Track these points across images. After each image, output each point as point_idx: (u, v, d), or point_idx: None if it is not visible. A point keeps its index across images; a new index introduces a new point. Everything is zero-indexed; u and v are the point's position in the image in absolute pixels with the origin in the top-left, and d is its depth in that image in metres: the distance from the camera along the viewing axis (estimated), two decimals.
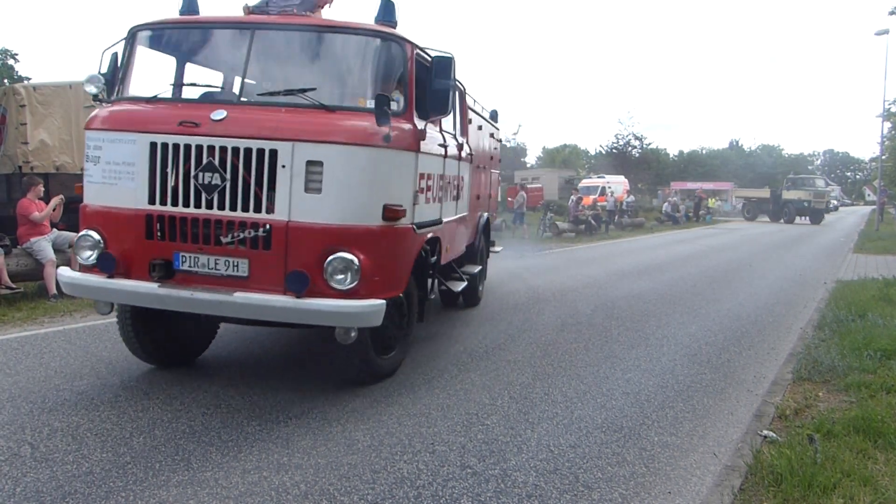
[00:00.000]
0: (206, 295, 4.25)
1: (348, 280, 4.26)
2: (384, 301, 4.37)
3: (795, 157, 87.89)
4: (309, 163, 4.24)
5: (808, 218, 34.53)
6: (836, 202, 57.49)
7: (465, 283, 7.14)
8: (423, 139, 4.90)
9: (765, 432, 4.17)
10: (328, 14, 5.66)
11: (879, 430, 4.01)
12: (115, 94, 5.02)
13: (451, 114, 6.03)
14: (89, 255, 4.59)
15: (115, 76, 5.06)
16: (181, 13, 5.29)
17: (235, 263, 4.34)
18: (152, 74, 5.39)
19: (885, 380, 5.05)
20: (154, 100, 4.92)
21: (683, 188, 46.95)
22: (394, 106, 4.61)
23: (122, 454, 3.71)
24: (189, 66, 5.39)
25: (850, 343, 6.13)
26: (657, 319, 7.92)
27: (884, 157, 33.59)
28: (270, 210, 4.28)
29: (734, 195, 46.92)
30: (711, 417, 4.64)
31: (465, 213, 7.17)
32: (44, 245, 8.55)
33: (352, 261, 4.26)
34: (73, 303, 8.28)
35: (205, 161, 4.31)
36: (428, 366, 5.62)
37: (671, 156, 69.75)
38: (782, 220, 35.24)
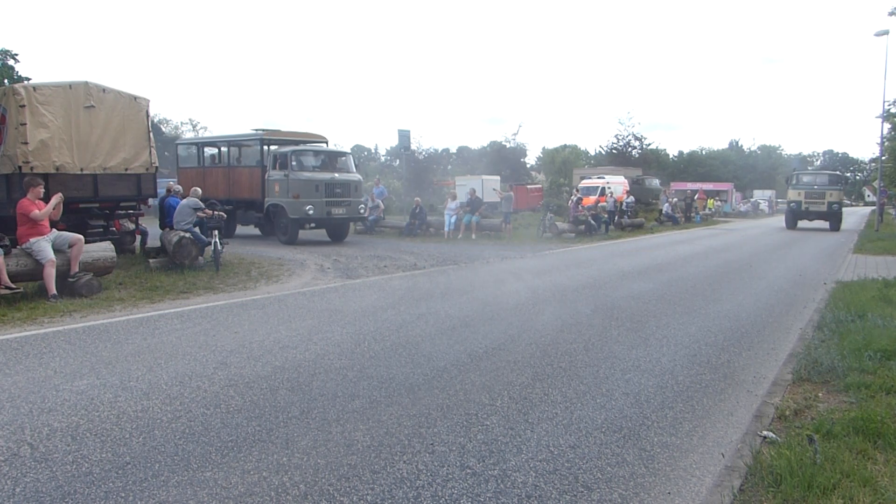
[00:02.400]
0: None
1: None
2: None
3: (795, 158, 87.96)
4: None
5: (828, 223, 29.55)
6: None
7: None
8: None
9: (764, 433, 4.17)
10: None
11: (879, 431, 4.01)
12: None
13: None
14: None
15: None
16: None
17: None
18: None
19: (885, 380, 5.05)
20: None
21: (682, 189, 46.91)
22: None
23: (122, 454, 3.71)
24: None
25: (849, 343, 6.13)
26: (657, 320, 7.92)
27: (883, 158, 33.56)
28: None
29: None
30: (711, 418, 4.64)
31: None
32: (43, 245, 8.55)
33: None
34: (73, 303, 8.29)
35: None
36: (427, 366, 5.63)
37: (671, 156, 69.74)
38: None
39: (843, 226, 32.08)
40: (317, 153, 18.58)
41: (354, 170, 19.01)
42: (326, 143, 20.19)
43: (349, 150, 20.72)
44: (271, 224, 18.18)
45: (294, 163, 17.44)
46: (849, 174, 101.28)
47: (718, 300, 9.51)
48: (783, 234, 25.73)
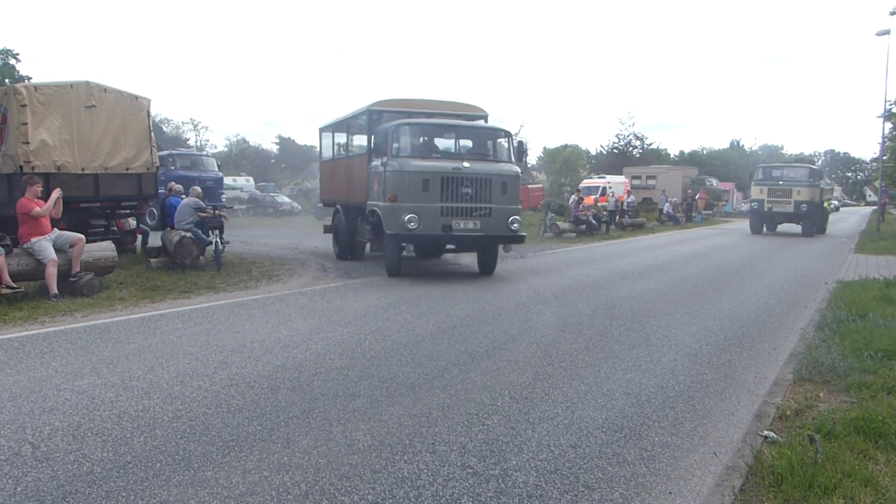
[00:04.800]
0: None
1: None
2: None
3: (795, 158, 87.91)
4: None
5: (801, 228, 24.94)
6: (836, 202, 56.84)
7: None
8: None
9: (765, 433, 4.17)
10: None
11: (880, 431, 4.00)
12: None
13: None
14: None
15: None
16: None
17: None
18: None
19: (886, 380, 5.04)
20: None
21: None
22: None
23: (123, 454, 3.72)
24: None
25: (850, 343, 6.12)
26: (658, 320, 7.92)
27: (885, 158, 33.50)
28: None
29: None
30: (712, 418, 4.64)
31: None
32: (45, 245, 8.56)
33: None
34: (74, 302, 8.30)
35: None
36: (428, 366, 5.63)
37: (672, 156, 69.71)
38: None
39: (844, 226, 31.05)
40: (440, 128, 11.71)
41: (510, 157, 11.48)
42: (485, 119, 12.77)
43: (506, 129, 12.22)
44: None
45: (397, 143, 10.86)
46: (849, 174, 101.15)
47: (719, 300, 9.50)
48: (783, 235, 25.68)
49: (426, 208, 10.36)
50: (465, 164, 10.62)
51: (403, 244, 10.97)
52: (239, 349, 6.07)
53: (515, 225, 10.80)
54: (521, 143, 11.87)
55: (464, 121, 12.20)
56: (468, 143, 11.88)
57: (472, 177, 10.49)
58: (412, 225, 10.32)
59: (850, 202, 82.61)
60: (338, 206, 14.37)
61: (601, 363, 5.88)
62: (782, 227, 26.06)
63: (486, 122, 12.69)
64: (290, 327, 7.07)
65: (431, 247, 12.12)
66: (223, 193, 25.53)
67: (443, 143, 11.78)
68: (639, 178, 41.64)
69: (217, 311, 8.05)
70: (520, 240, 11.13)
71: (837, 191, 72.24)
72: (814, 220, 24.55)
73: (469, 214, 10.51)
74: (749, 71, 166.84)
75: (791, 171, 25.75)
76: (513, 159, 11.45)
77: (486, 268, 11.77)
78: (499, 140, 11.82)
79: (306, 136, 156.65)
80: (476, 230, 10.59)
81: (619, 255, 16.03)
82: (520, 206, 11.19)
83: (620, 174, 44.93)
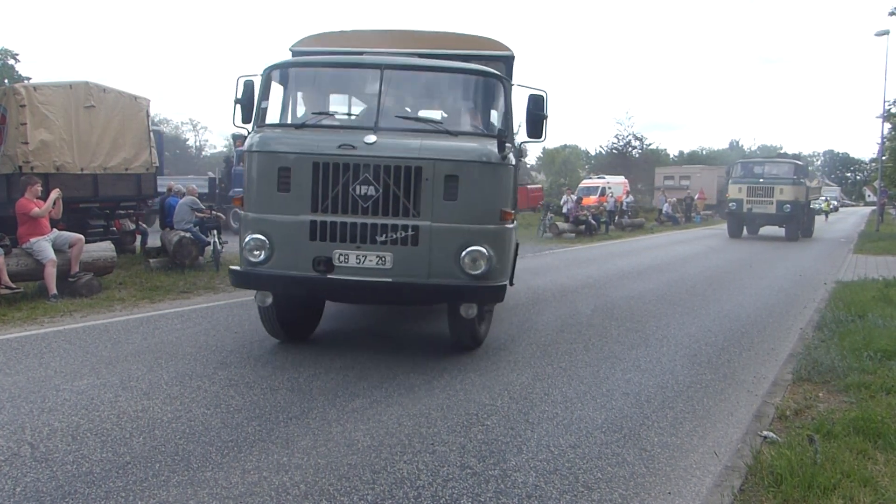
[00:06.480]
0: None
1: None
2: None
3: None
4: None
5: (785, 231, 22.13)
6: (836, 202, 56.80)
7: None
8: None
9: (765, 433, 4.17)
10: None
11: (879, 431, 4.01)
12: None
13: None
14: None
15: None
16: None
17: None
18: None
19: (885, 380, 5.05)
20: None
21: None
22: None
23: (122, 454, 3.72)
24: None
25: (849, 344, 6.13)
26: (657, 320, 7.92)
27: (884, 158, 33.49)
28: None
29: None
30: (711, 418, 4.64)
31: None
32: (44, 245, 8.54)
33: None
34: (73, 303, 8.29)
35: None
36: (428, 366, 5.62)
37: (671, 156, 69.79)
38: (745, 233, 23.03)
39: (843, 226, 30.91)
40: (346, 71, 6.23)
41: (505, 125, 5.90)
42: (507, 61, 7.07)
43: (494, 70, 6.06)
44: None
45: (265, 102, 5.89)
46: (848, 174, 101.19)
47: (718, 300, 9.51)
48: (783, 236, 25.64)
49: (282, 223, 5.38)
50: (370, 138, 5.29)
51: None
52: (238, 349, 6.07)
53: (482, 264, 5.26)
54: (538, 98, 5.97)
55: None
56: (418, 101, 6.62)
57: (380, 163, 5.23)
58: (255, 255, 5.41)
59: (849, 202, 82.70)
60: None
61: (600, 363, 5.89)
62: (764, 231, 23.23)
63: (508, 62, 7.12)
64: None
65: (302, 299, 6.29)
66: None
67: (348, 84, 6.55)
68: (671, 178, 40.65)
69: (216, 311, 8.05)
70: (491, 295, 5.57)
71: (836, 191, 72.25)
72: (799, 222, 21.89)
73: (370, 238, 5.27)
74: (748, 71, 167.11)
75: (773, 168, 22.69)
76: (509, 128, 5.97)
77: (461, 336, 6.10)
78: (483, 93, 6.28)
79: None
80: (382, 269, 5.27)
81: (618, 256, 16.03)
82: (505, 227, 5.59)
83: (620, 174, 44.89)
